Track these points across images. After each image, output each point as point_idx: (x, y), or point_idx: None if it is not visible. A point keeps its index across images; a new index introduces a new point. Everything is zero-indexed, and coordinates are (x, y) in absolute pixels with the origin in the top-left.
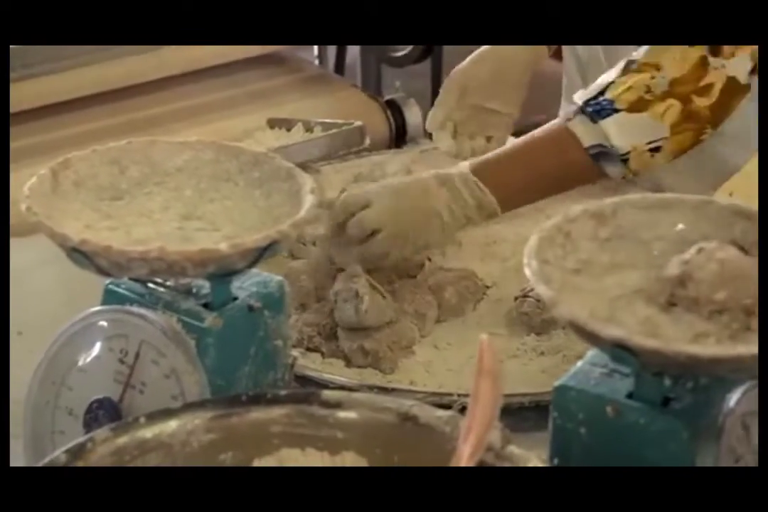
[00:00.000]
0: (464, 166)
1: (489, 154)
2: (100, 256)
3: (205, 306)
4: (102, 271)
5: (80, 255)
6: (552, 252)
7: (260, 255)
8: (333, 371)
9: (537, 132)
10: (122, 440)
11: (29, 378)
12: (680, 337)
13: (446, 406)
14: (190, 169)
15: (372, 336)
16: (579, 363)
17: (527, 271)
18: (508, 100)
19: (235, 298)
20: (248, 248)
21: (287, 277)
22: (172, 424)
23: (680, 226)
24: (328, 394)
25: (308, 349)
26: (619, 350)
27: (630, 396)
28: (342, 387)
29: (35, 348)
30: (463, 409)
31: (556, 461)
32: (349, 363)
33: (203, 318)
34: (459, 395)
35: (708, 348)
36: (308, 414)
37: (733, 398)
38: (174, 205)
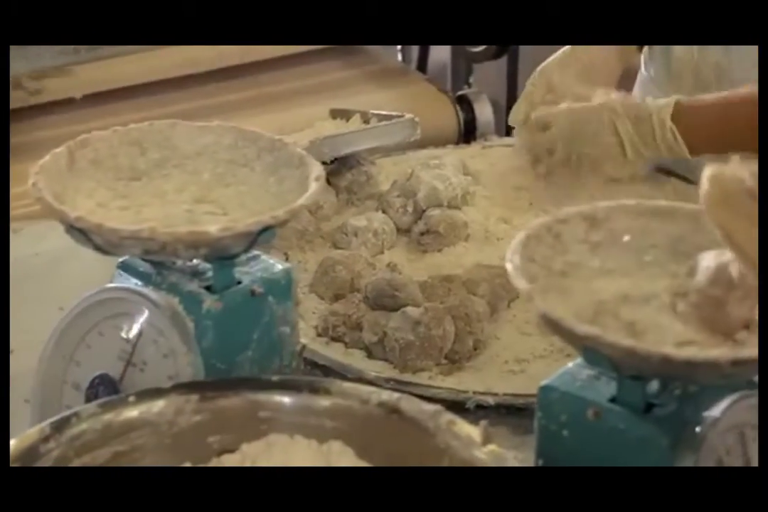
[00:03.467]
0: (665, 106)
1: (689, 99)
2: (94, 234)
3: (208, 288)
4: (100, 249)
5: (78, 232)
6: (540, 251)
7: (254, 239)
8: (353, 362)
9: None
10: (108, 416)
11: None
12: (661, 344)
13: (461, 404)
14: (209, 152)
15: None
16: (569, 365)
17: (508, 266)
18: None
19: (239, 282)
20: (239, 232)
21: (323, 267)
22: (160, 404)
23: (675, 235)
24: (317, 382)
25: (332, 339)
26: (591, 350)
27: (613, 400)
28: (360, 378)
29: None
30: (478, 407)
31: (540, 462)
32: (370, 354)
33: (202, 301)
34: (475, 393)
35: (682, 351)
36: (297, 401)
37: (719, 408)
38: (189, 188)
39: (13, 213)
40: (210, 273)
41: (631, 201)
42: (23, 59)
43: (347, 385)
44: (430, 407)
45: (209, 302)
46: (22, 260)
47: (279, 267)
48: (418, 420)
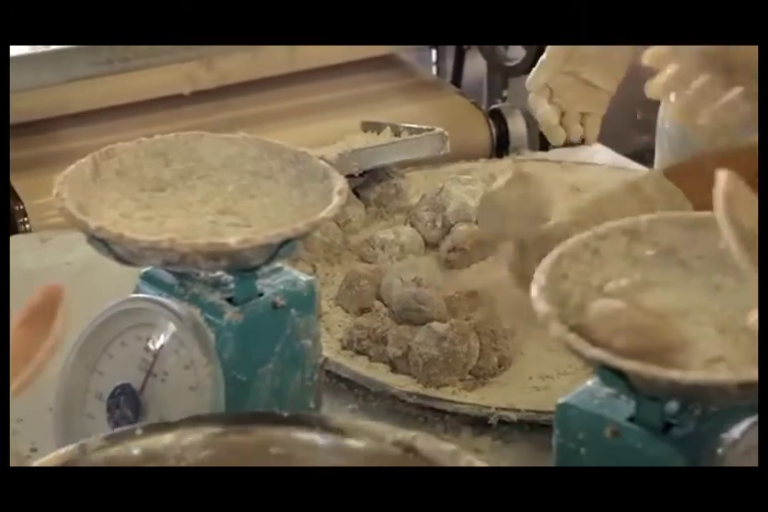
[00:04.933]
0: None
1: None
2: (115, 244)
3: (230, 300)
4: (120, 259)
5: (99, 242)
6: (575, 268)
7: (275, 252)
8: (376, 375)
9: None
10: (115, 450)
11: None
12: (692, 362)
13: (484, 419)
14: (235, 164)
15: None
16: (588, 383)
17: (533, 288)
18: (609, 76)
19: (261, 294)
20: (259, 244)
21: (348, 280)
22: (168, 437)
23: (720, 246)
24: (329, 419)
25: (357, 352)
26: (606, 372)
27: (632, 419)
28: (382, 392)
29: None
30: (502, 423)
31: None
32: (394, 368)
33: (224, 312)
34: (497, 409)
35: (688, 374)
36: (309, 438)
37: (738, 429)
38: (213, 200)
39: (43, 222)
40: (232, 285)
41: (674, 213)
42: (55, 70)
43: (361, 423)
44: (448, 446)
45: (230, 314)
46: (51, 269)
47: (302, 279)
48: (435, 460)
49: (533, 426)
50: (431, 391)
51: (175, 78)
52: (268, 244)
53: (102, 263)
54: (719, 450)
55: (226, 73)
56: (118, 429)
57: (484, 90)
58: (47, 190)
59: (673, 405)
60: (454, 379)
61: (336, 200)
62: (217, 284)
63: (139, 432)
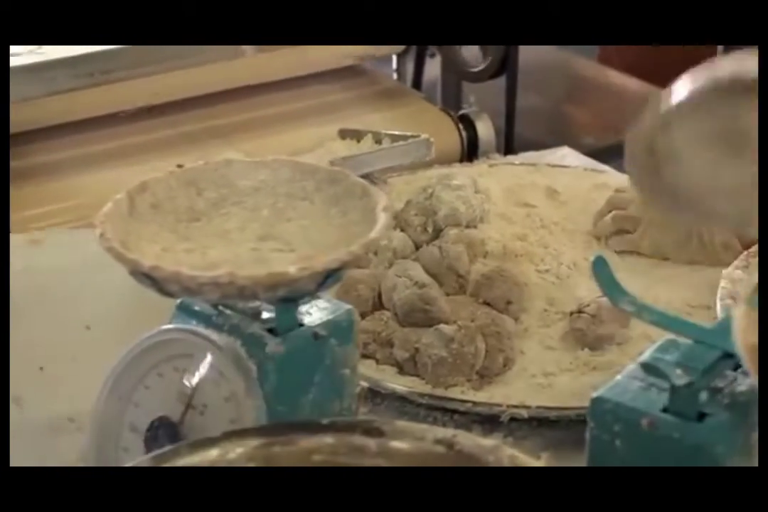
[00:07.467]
0: None
1: None
2: (170, 282)
3: (270, 331)
4: (172, 295)
5: (149, 280)
6: None
7: (329, 277)
8: (385, 378)
9: None
10: None
11: (94, 372)
12: None
13: (494, 417)
14: (267, 188)
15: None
16: (618, 376)
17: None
18: None
19: (301, 325)
20: (317, 271)
21: (345, 286)
22: (213, 453)
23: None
24: (371, 423)
25: (363, 356)
26: None
27: (666, 410)
28: (393, 393)
29: (102, 342)
30: (511, 420)
31: None
32: (401, 370)
33: (265, 344)
34: (508, 406)
35: None
36: (351, 443)
37: None
38: (251, 226)
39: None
40: (270, 315)
41: None
42: (36, 82)
43: (401, 424)
44: (488, 442)
45: (272, 345)
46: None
47: (341, 308)
48: (477, 456)
49: (541, 423)
50: (442, 391)
51: (153, 89)
52: (326, 269)
53: (95, 269)
54: (753, 436)
55: (200, 83)
56: (164, 449)
57: (438, 95)
58: (20, 204)
59: (703, 396)
60: (462, 380)
61: (383, 218)
62: (256, 314)
63: (184, 450)
